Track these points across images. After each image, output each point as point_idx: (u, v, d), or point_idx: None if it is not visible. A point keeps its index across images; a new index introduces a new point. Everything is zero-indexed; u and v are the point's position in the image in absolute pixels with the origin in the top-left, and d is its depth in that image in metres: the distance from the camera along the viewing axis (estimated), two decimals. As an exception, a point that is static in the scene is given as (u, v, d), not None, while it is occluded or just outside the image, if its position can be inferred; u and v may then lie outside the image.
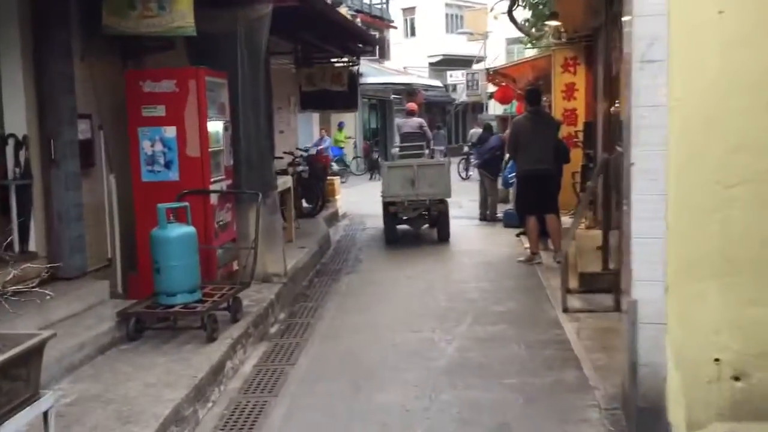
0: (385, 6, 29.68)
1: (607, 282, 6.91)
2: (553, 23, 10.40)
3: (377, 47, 27.26)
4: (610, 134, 7.68)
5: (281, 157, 11.02)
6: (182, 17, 5.93)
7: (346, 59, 13.35)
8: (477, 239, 10.88)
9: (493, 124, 21.83)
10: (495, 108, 32.81)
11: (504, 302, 6.92)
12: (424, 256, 9.45)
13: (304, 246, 8.96)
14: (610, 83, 7.28)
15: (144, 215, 6.12)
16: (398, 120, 13.09)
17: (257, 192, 6.30)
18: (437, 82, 34.89)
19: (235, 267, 6.94)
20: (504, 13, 21.26)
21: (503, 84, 13.07)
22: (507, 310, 6.63)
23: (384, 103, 30.19)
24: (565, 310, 6.35)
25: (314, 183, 11.99)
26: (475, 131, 29.28)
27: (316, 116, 25.03)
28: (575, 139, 10.84)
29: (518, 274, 8.22)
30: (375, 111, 29.92)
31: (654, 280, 3.70)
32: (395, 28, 31.64)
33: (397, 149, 11.45)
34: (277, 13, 7.64)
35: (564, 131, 11.24)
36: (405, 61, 33.81)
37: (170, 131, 6.23)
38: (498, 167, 12.50)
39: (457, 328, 6.06)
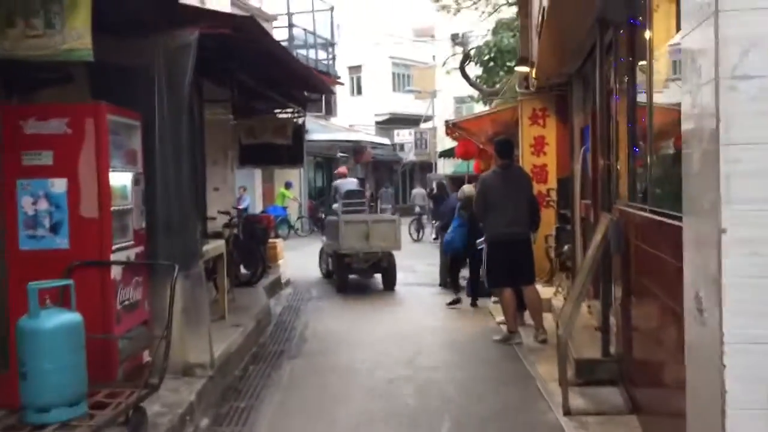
0: (331, 62, 28.77)
1: (609, 371, 5.67)
2: (523, 69, 9.38)
3: (324, 100, 26.41)
4: (602, 191, 6.54)
5: (214, 218, 9.58)
6: (76, 37, 4.58)
7: (290, 110, 12.12)
8: (440, 311, 9.54)
9: (445, 182, 20.88)
10: (445, 167, 32.03)
11: (487, 399, 5.56)
12: (382, 334, 8.06)
13: (239, 324, 7.47)
14: (605, 131, 6.16)
15: (20, 295, 4.56)
16: (336, 182, 14.66)
17: (172, 264, 4.85)
18: (385, 140, 34.08)
19: (148, 358, 5.42)
20: (456, 68, 20.76)
21: (463, 138, 12.04)
22: (493, 413, 5.26)
23: (330, 161, 29.04)
24: (567, 412, 5.02)
25: (254, 247, 10.55)
26: (418, 191, 28.61)
27: (259, 172, 23.76)
28: (547, 198, 9.73)
29: (496, 357, 6.90)
30: (321, 169, 28.73)
31: (762, 407, 2.43)
32: (342, 84, 30.70)
33: (340, 206, 12.11)
34: (209, 51, 6.39)
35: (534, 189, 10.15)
36: (351, 119, 32.90)
37: (59, 185, 4.78)
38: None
39: (433, 441, 4.68)
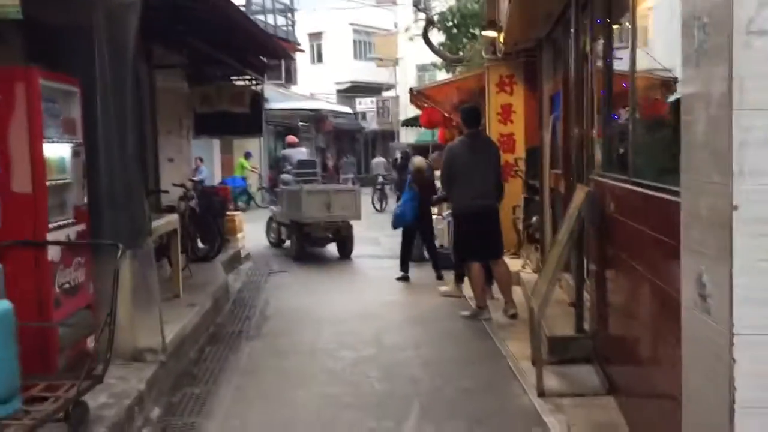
0: (291, 28, 28.03)
1: (583, 348, 5.44)
2: (490, 34, 9.01)
3: (284, 68, 25.74)
4: (576, 161, 6.27)
5: (167, 191, 9.10)
6: (2, -8, 4.10)
7: (248, 77, 11.60)
8: (406, 287, 9.26)
9: (409, 152, 20.50)
10: (407, 136, 31.65)
11: (457, 380, 5.29)
12: (346, 312, 7.74)
13: (195, 303, 7.08)
14: (579, 98, 5.86)
15: (-56, 280, 4.15)
16: (286, 151, 15.43)
17: (116, 243, 4.43)
18: (347, 109, 33.51)
19: (91, 344, 5.02)
20: (418, 35, 20.30)
21: (428, 106, 11.67)
22: (463, 395, 5.00)
23: (290, 130, 28.35)
24: (542, 393, 4.77)
25: (210, 220, 10.10)
26: (379, 161, 28.15)
27: (217, 143, 23.09)
28: (515, 168, 9.45)
29: (466, 335, 6.64)
30: (281, 139, 28.08)
31: (773, 407, 2.16)
32: (302, 51, 29.99)
33: (290, 176, 12.73)
34: (158, 12, 5.93)
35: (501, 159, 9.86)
36: (312, 87, 32.22)
37: (-14, 157, 4.32)
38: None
39: (401, 429, 4.39)
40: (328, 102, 31.19)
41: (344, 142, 36.24)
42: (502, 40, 8.80)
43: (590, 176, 5.38)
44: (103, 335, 4.25)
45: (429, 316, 7.43)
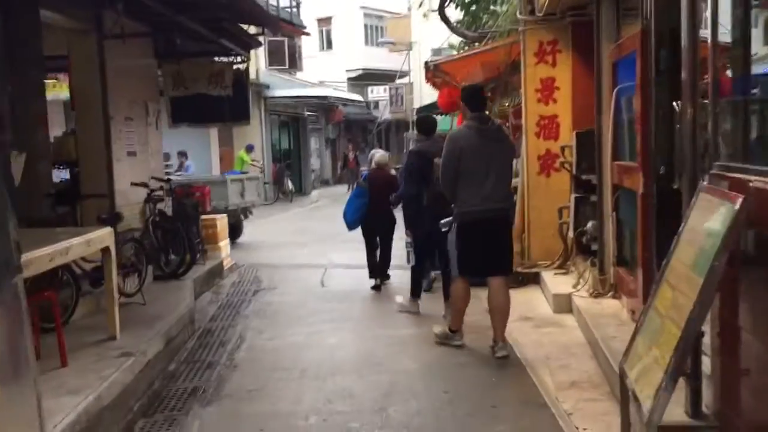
0: (295, 10, 25.99)
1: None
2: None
3: (288, 52, 23.63)
4: (685, 149, 4.23)
5: (102, 197, 7.18)
6: None
7: (232, 53, 9.65)
8: (412, 316, 7.22)
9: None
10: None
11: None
12: (341, 356, 5.77)
13: (133, 350, 5.12)
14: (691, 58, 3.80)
15: None
16: None
17: None
18: (357, 97, 31.47)
19: None
20: (434, 11, 18.23)
21: (447, 85, 9.60)
22: None
23: (297, 120, 26.49)
24: None
25: (180, 228, 8.15)
26: (378, 153, 25.57)
27: (215, 134, 21.13)
28: (561, 160, 7.42)
29: (508, 398, 4.63)
30: (286, 129, 26.14)
31: None
32: (308, 34, 27.92)
33: None
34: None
35: (540, 148, 7.85)
36: (321, 75, 30.15)
37: None
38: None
39: None
40: (336, 89, 29.11)
41: (356, 133, 34.22)
42: (544, -7, 6.79)
43: (716, 172, 3.35)
44: None
45: (449, 362, 5.43)
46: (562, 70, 7.63)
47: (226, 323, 6.94)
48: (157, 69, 9.30)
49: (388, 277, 8.36)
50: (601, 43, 6.37)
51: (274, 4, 23.63)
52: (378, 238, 8.31)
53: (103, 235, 5.26)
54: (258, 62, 22.01)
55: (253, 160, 21.88)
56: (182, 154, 16.49)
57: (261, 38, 10.62)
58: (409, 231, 7.01)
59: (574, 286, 6.65)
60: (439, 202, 6.00)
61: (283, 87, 22.94)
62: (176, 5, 7.20)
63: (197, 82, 9.24)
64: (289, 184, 22.23)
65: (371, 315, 7.29)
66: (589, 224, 6.66)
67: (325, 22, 35.02)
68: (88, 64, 7.40)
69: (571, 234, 7.11)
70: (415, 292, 7.14)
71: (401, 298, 7.33)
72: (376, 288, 8.21)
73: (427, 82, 10.36)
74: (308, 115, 26.78)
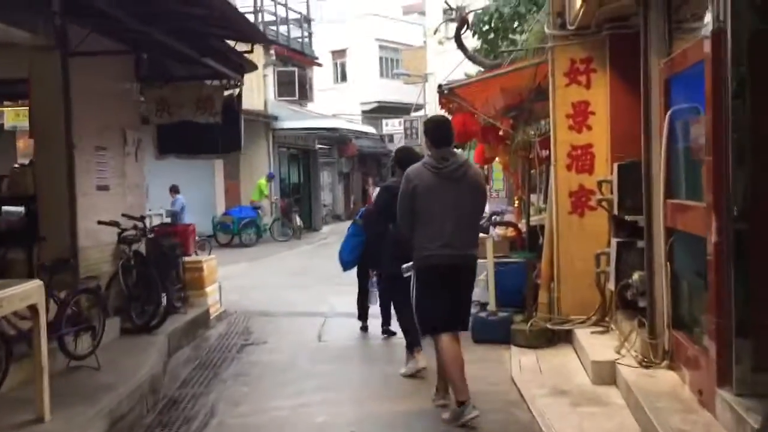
0: (307, 40, 25.23)
1: None
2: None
3: (298, 83, 22.72)
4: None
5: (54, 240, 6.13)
6: None
7: (225, 77, 8.66)
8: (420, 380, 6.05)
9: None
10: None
11: None
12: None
13: (61, 438, 4.02)
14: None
15: None
16: None
17: None
18: (371, 129, 30.57)
19: None
20: (449, 38, 17.33)
21: (461, 110, 8.57)
22: None
23: (307, 153, 25.53)
24: None
25: (153, 275, 7.06)
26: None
27: (220, 166, 20.10)
28: (598, 197, 6.28)
29: None
30: (296, 162, 25.18)
31: None
32: (319, 65, 27.11)
33: None
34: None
35: (572, 183, 6.71)
36: (335, 108, 29.29)
37: None
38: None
39: None
40: (349, 121, 28.21)
41: (370, 167, 33.26)
42: (580, 1, 5.73)
43: None
44: None
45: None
46: (598, 93, 6.53)
47: (198, 390, 5.80)
48: (140, 93, 8.34)
49: (393, 333, 7.21)
50: (649, 58, 5.27)
51: (285, 33, 22.94)
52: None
53: (28, 290, 4.17)
54: (267, 93, 21.17)
55: (263, 194, 20.84)
56: (173, 189, 15.47)
57: (269, 69, 9.72)
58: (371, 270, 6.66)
59: (618, 351, 5.45)
60: (401, 244, 5.21)
61: (292, 118, 22.04)
62: (146, 16, 6.22)
63: (183, 108, 8.25)
64: (297, 220, 21.12)
65: (371, 380, 6.08)
66: (635, 275, 5.49)
67: (339, 54, 34.37)
68: (48, 84, 6.40)
69: (611, 286, 5.93)
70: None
71: (404, 369, 6.09)
72: (364, 329, 7.74)
73: (441, 108, 9.35)
74: (319, 148, 25.83)
